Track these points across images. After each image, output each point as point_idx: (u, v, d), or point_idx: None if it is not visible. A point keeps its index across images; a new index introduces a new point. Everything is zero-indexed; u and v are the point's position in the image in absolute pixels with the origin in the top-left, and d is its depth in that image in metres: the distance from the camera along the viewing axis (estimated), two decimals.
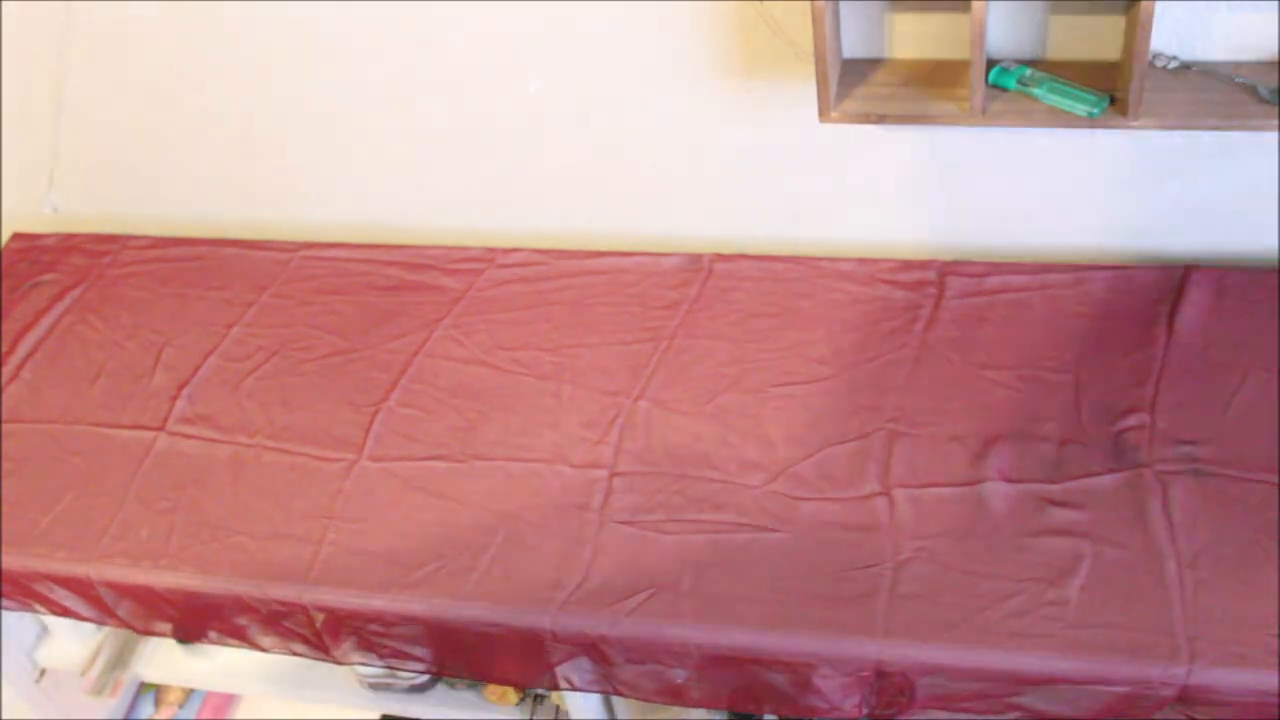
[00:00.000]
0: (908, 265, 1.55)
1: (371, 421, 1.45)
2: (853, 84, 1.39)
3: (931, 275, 1.53)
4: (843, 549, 1.26)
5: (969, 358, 1.42)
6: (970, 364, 1.42)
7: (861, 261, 1.56)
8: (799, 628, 1.20)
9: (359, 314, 1.60)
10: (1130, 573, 1.20)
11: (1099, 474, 1.29)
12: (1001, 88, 1.35)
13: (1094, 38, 1.35)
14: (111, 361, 1.58)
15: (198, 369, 1.55)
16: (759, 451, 1.36)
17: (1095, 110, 1.30)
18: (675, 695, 1.29)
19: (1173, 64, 1.34)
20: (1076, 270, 1.51)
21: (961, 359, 1.43)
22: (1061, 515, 1.25)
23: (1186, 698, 1.14)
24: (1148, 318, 1.44)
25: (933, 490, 1.30)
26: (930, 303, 1.49)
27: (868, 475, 1.32)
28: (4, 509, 1.42)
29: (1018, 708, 1.18)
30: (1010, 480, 1.29)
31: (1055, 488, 1.28)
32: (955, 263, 1.54)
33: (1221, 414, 1.33)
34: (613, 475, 1.36)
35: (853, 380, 1.42)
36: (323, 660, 1.39)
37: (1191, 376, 1.37)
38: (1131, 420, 1.33)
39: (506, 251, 1.66)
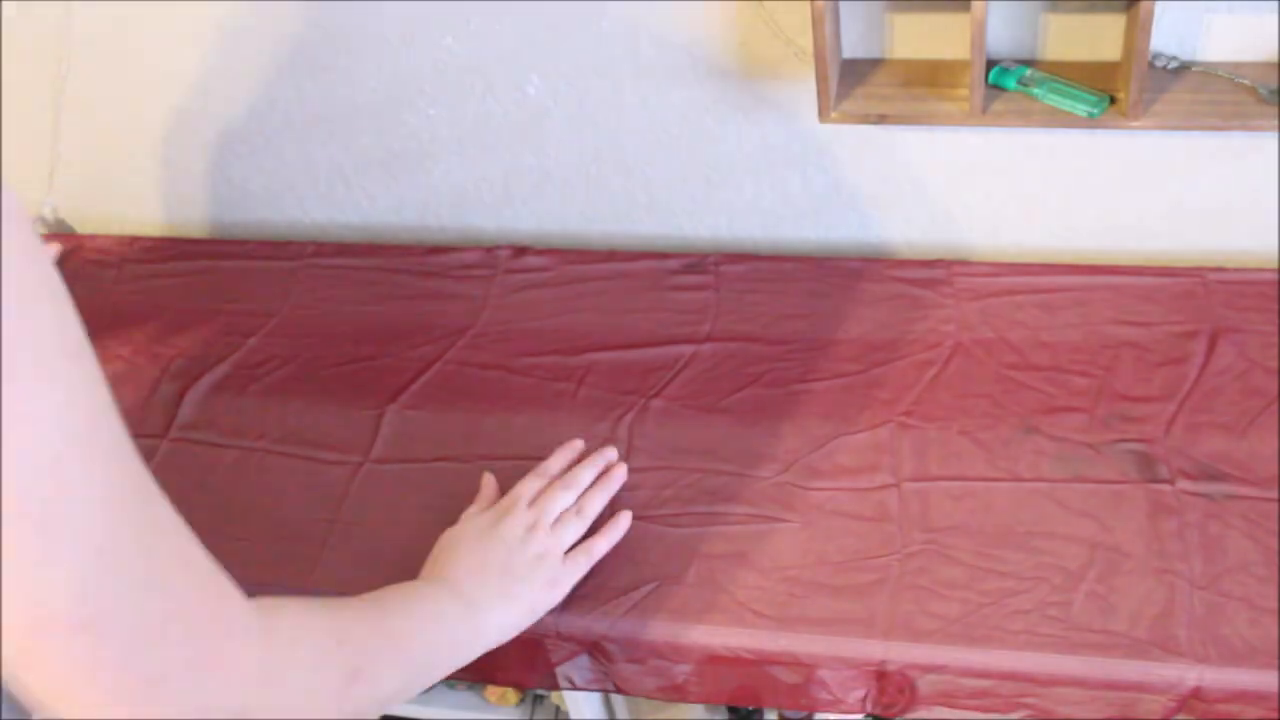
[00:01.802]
0: (919, 264, 1.55)
1: (379, 424, 1.45)
2: (853, 84, 1.39)
3: (943, 274, 1.53)
4: (851, 538, 1.27)
5: (1000, 358, 1.42)
6: (1001, 365, 1.41)
7: (872, 261, 1.57)
8: (803, 623, 1.20)
9: (383, 324, 1.59)
10: (1139, 585, 1.19)
11: (1118, 483, 1.28)
12: (1001, 88, 1.35)
13: (1094, 38, 1.36)
14: (115, 377, 1.57)
15: (201, 377, 1.54)
16: (772, 443, 1.36)
17: (1095, 110, 1.30)
18: (676, 692, 1.29)
19: (1173, 64, 1.34)
20: (1105, 273, 1.50)
21: (993, 359, 1.42)
22: (1074, 520, 1.25)
23: (1189, 710, 1.15)
24: (1186, 327, 1.43)
25: (944, 484, 1.30)
26: (954, 302, 1.49)
27: (880, 467, 1.32)
28: None
29: (1023, 707, 1.19)
30: (1025, 480, 1.30)
31: (1071, 492, 1.28)
32: (965, 262, 1.54)
33: (1255, 439, 1.31)
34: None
35: (876, 377, 1.42)
36: None
37: (1224, 395, 1.36)
38: (1158, 434, 1.32)
39: (515, 254, 1.65)
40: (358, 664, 0.87)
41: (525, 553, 1.19)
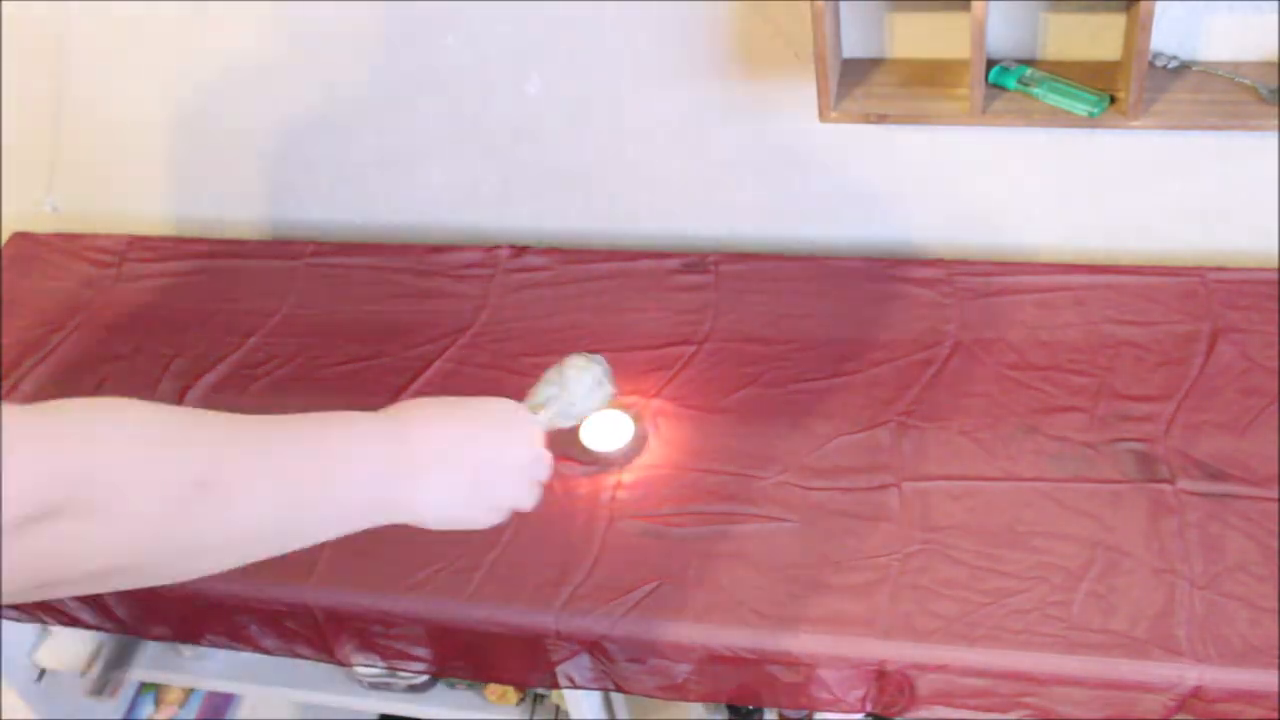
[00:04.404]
0: (919, 264, 1.55)
1: None
2: (853, 84, 1.39)
3: (943, 274, 1.53)
4: (851, 538, 1.27)
5: (1000, 358, 1.42)
6: (1001, 365, 1.41)
7: (872, 261, 1.57)
8: (803, 623, 1.21)
9: (383, 323, 1.59)
10: (1139, 585, 1.19)
11: (1117, 483, 1.28)
12: (1001, 87, 1.35)
13: (1094, 38, 1.36)
14: (115, 376, 1.57)
15: (201, 376, 1.55)
16: (772, 443, 1.36)
17: (1095, 110, 1.30)
18: (676, 691, 1.29)
19: (1173, 64, 1.34)
20: (1105, 272, 1.50)
21: (993, 359, 1.42)
22: (1074, 520, 1.25)
23: (1189, 710, 1.15)
24: (1186, 327, 1.43)
25: (945, 484, 1.30)
26: (955, 302, 1.49)
27: (880, 467, 1.32)
28: None
29: (1023, 707, 1.19)
30: (1025, 480, 1.30)
31: (1071, 492, 1.28)
32: (965, 262, 1.54)
33: (1254, 439, 1.31)
34: (622, 470, 1.36)
35: (877, 377, 1.42)
36: (326, 662, 1.39)
37: (1224, 395, 1.36)
38: (1157, 434, 1.32)
39: (515, 254, 1.66)
40: (201, 473, 0.73)
41: (513, 452, 0.95)
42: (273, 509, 0.78)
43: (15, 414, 0.66)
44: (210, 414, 0.77)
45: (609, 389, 1.18)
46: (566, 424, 1.07)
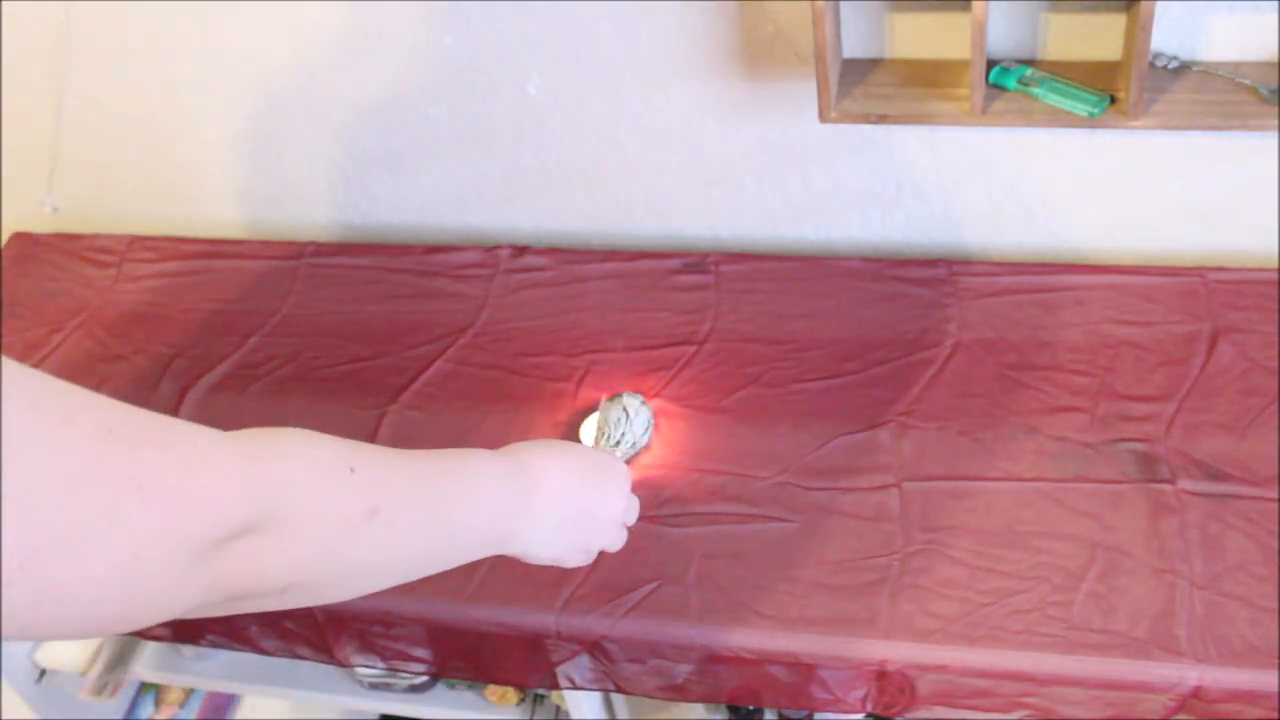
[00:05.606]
0: (919, 264, 1.55)
1: (378, 424, 1.45)
2: (853, 84, 1.39)
3: (944, 274, 1.53)
4: (851, 538, 1.27)
5: (1000, 358, 1.42)
6: (1001, 365, 1.41)
7: (872, 261, 1.57)
8: (803, 623, 1.21)
9: (383, 323, 1.59)
10: (1139, 585, 1.19)
11: (1117, 483, 1.28)
12: (1001, 87, 1.35)
13: (1094, 38, 1.36)
14: (116, 377, 1.57)
15: (201, 377, 1.54)
16: (772, 443, 1.36)
17: (1095, 110, 1.30)
18: (676, 691, 1.29)
19: (1173, 64, 1.34)
20: (1105, 272, 1.50)
21: (993, 359, 1.42)
22: (1074, 520, 1.25)
23: (1189, 710, 1.15)
24: (1186, 327, 1.43)
25: (946, 484, 1.30)
26: (955, 302, 1.49)
27: (880, 467, 1.32)
28: None
29: (1023, 707, 1.19)
30: (1025, 480, 1.30)
31: (1071, 492, 1.28)
32: (965, 262, 1.54)
33: (1254, 439, 1.31)
34: None
35: (876, 376, 1.42)
36: (326, 663, 1.39)
37: (1224, 395, 1.36)
38: (1158, 434, 1.32)
39: (515, 254, 1.66)
40: (375, 500, 0.78)
41: (612, 504, 1.03)
42: (424, 538, 0.83)
43: (217, 435, 0.71)
44: (374, 446, 0.82)
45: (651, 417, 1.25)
46: (628, 457, 1.18)
